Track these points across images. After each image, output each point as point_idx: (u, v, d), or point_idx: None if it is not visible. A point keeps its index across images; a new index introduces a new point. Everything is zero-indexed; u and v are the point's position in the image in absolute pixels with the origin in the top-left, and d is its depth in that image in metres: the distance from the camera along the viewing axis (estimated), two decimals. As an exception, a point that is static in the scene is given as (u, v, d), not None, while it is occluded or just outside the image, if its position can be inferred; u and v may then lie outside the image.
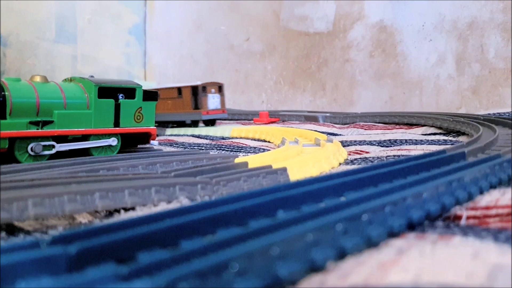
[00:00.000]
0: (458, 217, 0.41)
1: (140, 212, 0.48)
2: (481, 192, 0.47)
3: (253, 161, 0.68)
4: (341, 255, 0.29)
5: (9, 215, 0.41)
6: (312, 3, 2.10)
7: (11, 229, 0.44)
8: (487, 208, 0.42)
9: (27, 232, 0.43)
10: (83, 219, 0.48)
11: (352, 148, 0.96)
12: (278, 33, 2.23)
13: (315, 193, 0.42)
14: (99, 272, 0.22)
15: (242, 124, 1.57)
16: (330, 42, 2.07)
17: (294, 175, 0.64)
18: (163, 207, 0.49)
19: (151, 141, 0.92)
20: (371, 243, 0.32)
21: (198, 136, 1.24)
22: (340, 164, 0.79)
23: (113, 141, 0.83)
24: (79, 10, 2.37)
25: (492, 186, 0.50)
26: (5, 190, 0.44)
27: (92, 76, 0.86)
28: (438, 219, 0.41)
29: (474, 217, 0.41)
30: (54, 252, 0.25)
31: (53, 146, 0.76)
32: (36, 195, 0.43)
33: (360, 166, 0.65)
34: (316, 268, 0.27)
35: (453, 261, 0.26)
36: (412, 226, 0.37)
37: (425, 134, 1.11)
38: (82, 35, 2.38)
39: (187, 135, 1.27)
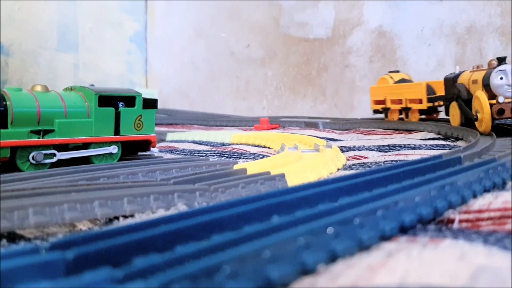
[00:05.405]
0: (451, 221, 0.41)
1: (139, 219, 0.48)
2: (475, 195, 0.48)
3: (252, 167, 0.69)
4: (333, 258, 0.30)
5: (10, 223, 0.42)
6: (312, 9, 2.12)
7: (12, 237, 0.45)
8: (480, 211, 0.43)
9: (28, 239, 0.44)
10: (83, 226, 0.48)
11: (351, 153, 0.97)
12: (278, 40, 2.24)
13: (310, 199, 0.42)
14: (95, 276, 0.22)
15: (243, 130, 1.58)
16: (330, 47, 2.08)
17: (292, 181, 0.65)
18: (160, 213, 0.50)
19: (152, 149, 0.93)
20: (363, 246, 0.32)
21: (199, 143, 1.25)
22: (338, 169, 0.80)
23: (113, 149, 0.84)
24: (80, 19, 2.38)
25: (486, 190, 0.50)
26: (6, 199, 0.45)
27: (92, 85, 0.87)
28: (431, 223, 0.41)
29: (467, 221, 0.42)
30: (52, 257, 0.25)
31: (54, 155, 0.77)
32: (36, 204, 0.44)
33: (357, 171, 0.65)
34: (307, 270, 0.28)
35: (439, 262, 0.27)
36: (404, 230, 0.38)
37: (424, 139, 1.12)
38: (83, 44, 2.40)
39: (188, 141, 1.28)
